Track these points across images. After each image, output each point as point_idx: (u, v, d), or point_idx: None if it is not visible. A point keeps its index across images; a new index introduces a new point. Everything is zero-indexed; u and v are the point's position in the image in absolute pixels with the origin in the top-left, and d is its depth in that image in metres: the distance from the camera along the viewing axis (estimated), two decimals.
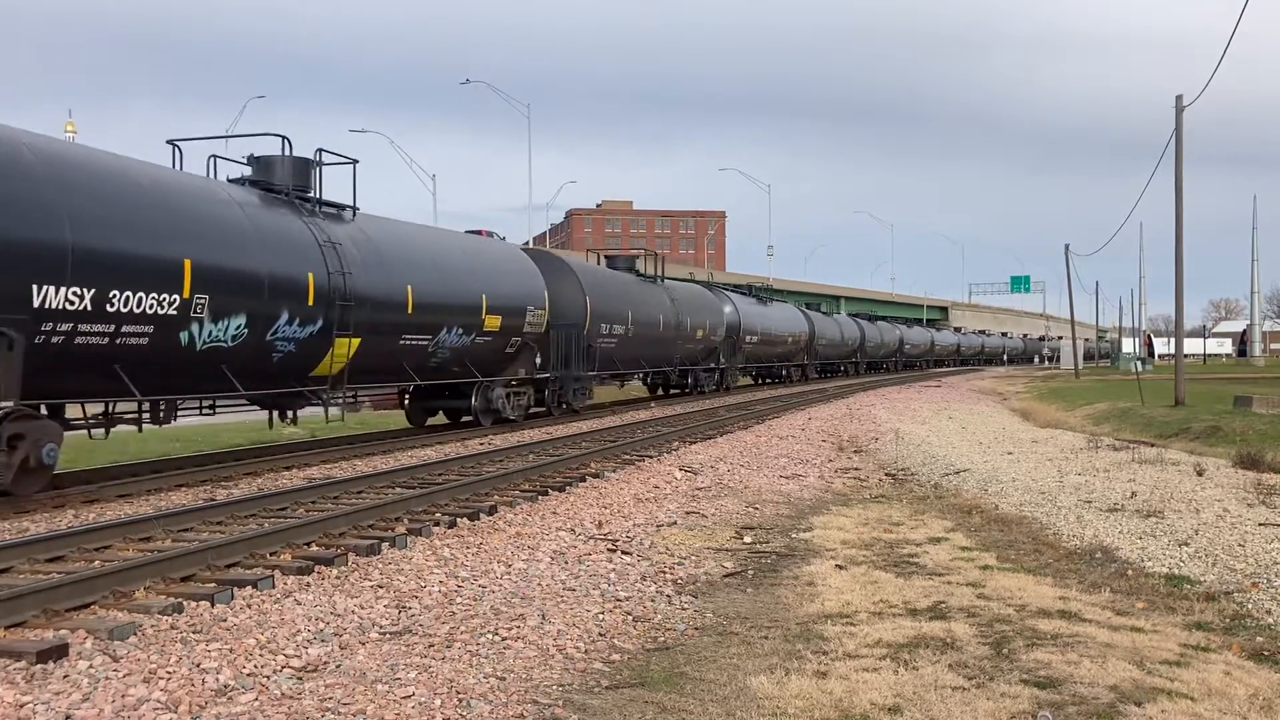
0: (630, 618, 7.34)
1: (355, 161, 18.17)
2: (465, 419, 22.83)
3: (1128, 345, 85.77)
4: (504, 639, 6.67)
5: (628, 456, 16.90)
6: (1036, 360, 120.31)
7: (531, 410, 24.34)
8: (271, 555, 8.91)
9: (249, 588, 7.76)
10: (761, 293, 49.86)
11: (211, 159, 16.49)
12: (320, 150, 17.39)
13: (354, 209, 18.00)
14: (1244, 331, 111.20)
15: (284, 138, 16.77)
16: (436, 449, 18.40)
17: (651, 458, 17.02)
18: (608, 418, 26.19)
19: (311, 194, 16.91)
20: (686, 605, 7.76)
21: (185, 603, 7.24)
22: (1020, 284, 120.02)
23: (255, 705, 5.35)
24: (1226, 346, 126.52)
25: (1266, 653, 6.51)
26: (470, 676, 5.90)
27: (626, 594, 7.99)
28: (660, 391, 38.87)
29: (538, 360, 24.01)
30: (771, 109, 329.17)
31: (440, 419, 23.39)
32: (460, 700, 5.51)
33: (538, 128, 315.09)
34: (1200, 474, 14.33)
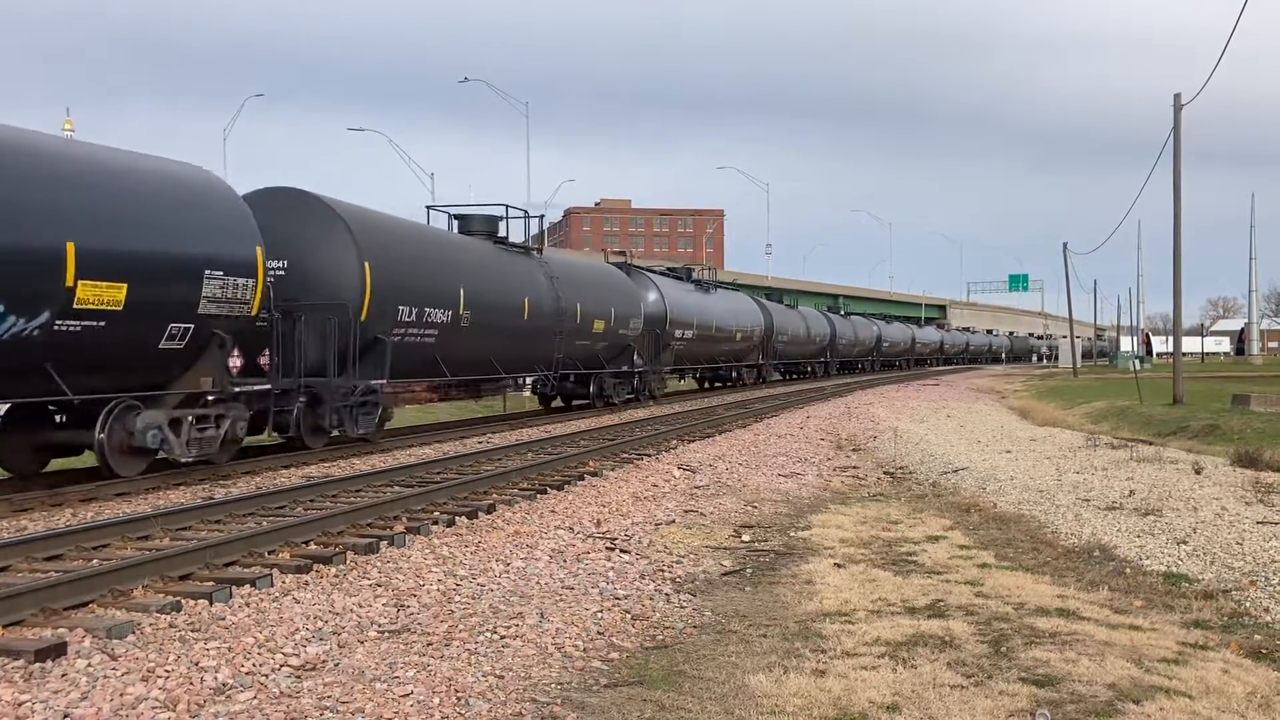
0: (629, 616, 7.34)
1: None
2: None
3: (1126, 344, 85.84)
4: (503, 637, 6.67)
5: (626, 455, 16.91)
6: (1034, 359, 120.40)
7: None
8: (270, 554, 8.90)
9: (247, 586, 7.75)
10: (705, 281, 40.24)
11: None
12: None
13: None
14: (1242, 330, 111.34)
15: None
16: (435, 448, 18.40)
17: (650, 456, 17.02)
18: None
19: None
20: (685, 604, 7.76)
21: (184, 601, 7.24)
22: (1018, 282, 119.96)
23: (254, 704, 5.35)
24: (1224, 345, 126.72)
25: (1264, 651, 6.52)
26: (469, 675, 5.90)
27: (625, 592, 8.00)
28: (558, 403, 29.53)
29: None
30: (771, 108, 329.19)
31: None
32: (459, 699, 5.51)
33: (537, 126, 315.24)
34: (1198, 472, 14.33)
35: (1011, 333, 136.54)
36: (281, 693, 5.53)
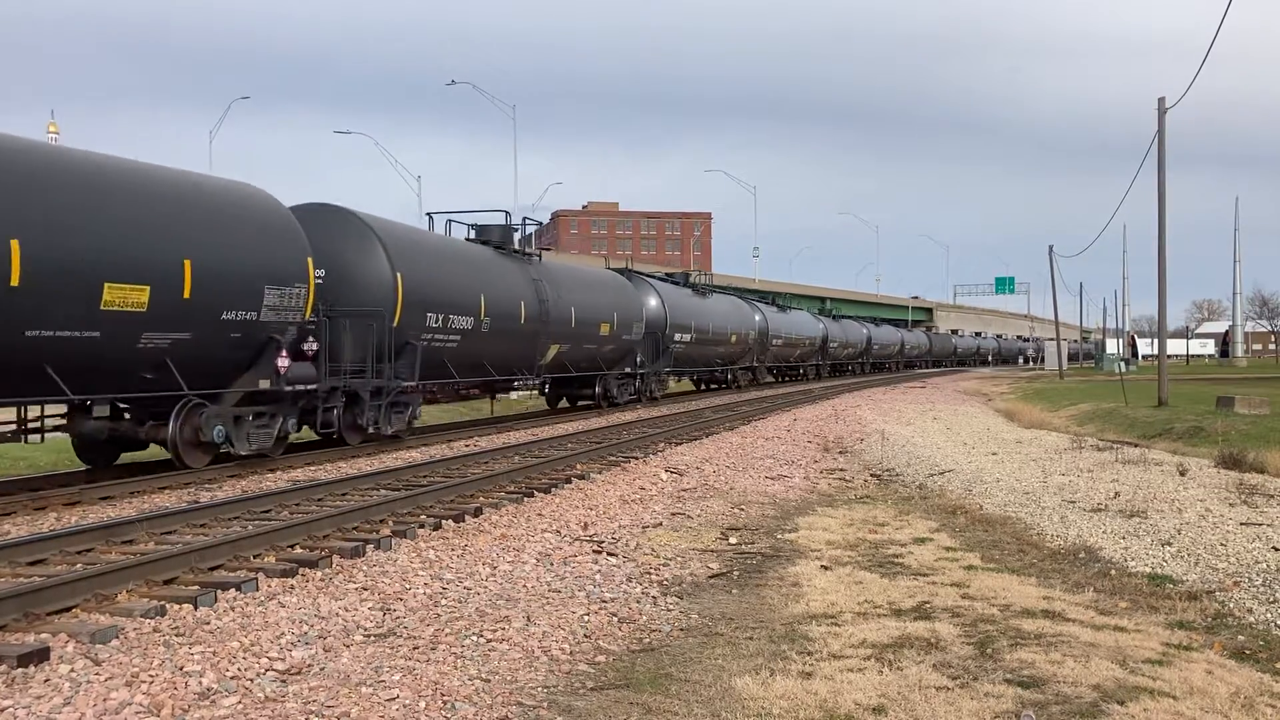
0: (615, 619, 7.33)
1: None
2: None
3: (1111, 346, 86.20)
4: (489, 641, 6.66)
5: (613, 458, 16.90)
6: (1021, 361, 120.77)
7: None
8: (255, 557, 8.87)
9: (232, 590, 7.72)
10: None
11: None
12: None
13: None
14: (1226, 332, 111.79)
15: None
16: (421, 450, 18.35)
17: (637, 459, 17.02)
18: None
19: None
20: (672, 606, 7.76)
21: (168, 605, 7.21)
22: (1005, 285, 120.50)
23: (238, 708, 5.33)
24: (1209, 347, 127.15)
25: (1248, 651, 6.55)
26: (455, 678, 5.88)
27: (612, 595, 7.99)
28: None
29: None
30: (759, 111, 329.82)
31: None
32: (445, 702, 5.50)
33: (525, 130, 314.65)
34: (1183, 474, 14.40)
35: (1000, 335, 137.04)
36: (266, 697, 5.50)
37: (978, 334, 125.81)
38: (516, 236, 25.01)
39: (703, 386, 44.23)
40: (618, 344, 29.31)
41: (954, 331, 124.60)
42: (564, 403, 30.20)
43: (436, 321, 19.78)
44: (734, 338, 41.39)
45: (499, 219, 24.93)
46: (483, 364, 22.37)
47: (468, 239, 24.01)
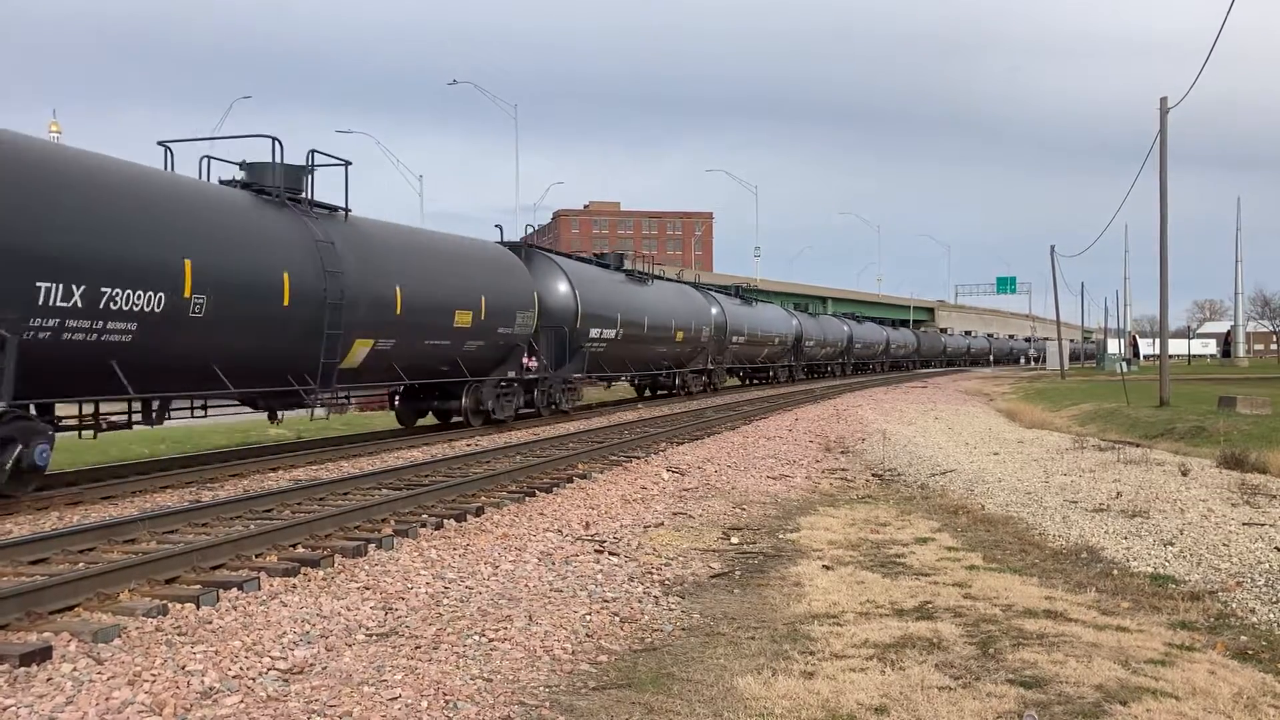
0: (617, 619, 7.33)
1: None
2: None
3: (1113, 346, 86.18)
4: (491, 640, 6.66)
5: (615, 457, 16.90)
6: (1022, 361, 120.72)
7: (521, 411, 24.28)
8: (257, 557, 8.87)
9: (234, 590, 7.72)
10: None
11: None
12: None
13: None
14: (1228, 332, 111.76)
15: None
16: (423, 450, 18.36)
17: (639, 459, 17.02)
18: (595, 419, 26.36)
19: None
20: (674, 606, 7.75)
21: (170, 605, 7.21)
22: (1006, 285, 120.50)
23: (240, 708, 5.33)
24: (1211, 347, 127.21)
25: (1250, 652, 6.55)
26: (457, 678, 5.88)
27: (614, 595, 7.99)
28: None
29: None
30: (761, 111, 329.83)
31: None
32: (447, 702, 5.50)
33: (528, 129, 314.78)
34: (1185, 474, 14.39)
35: (991, 335, 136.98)
36: (268, 696, 5.50)
37: (968, 333, 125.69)
38: (309, 182, 17.44)
39: (646, 393, 38.93)
40: (489, 339, 22.22)
41: (970, 333, 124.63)
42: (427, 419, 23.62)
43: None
44: (680, 334, 35.16)
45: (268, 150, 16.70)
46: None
47: (225, 181, 16.75)
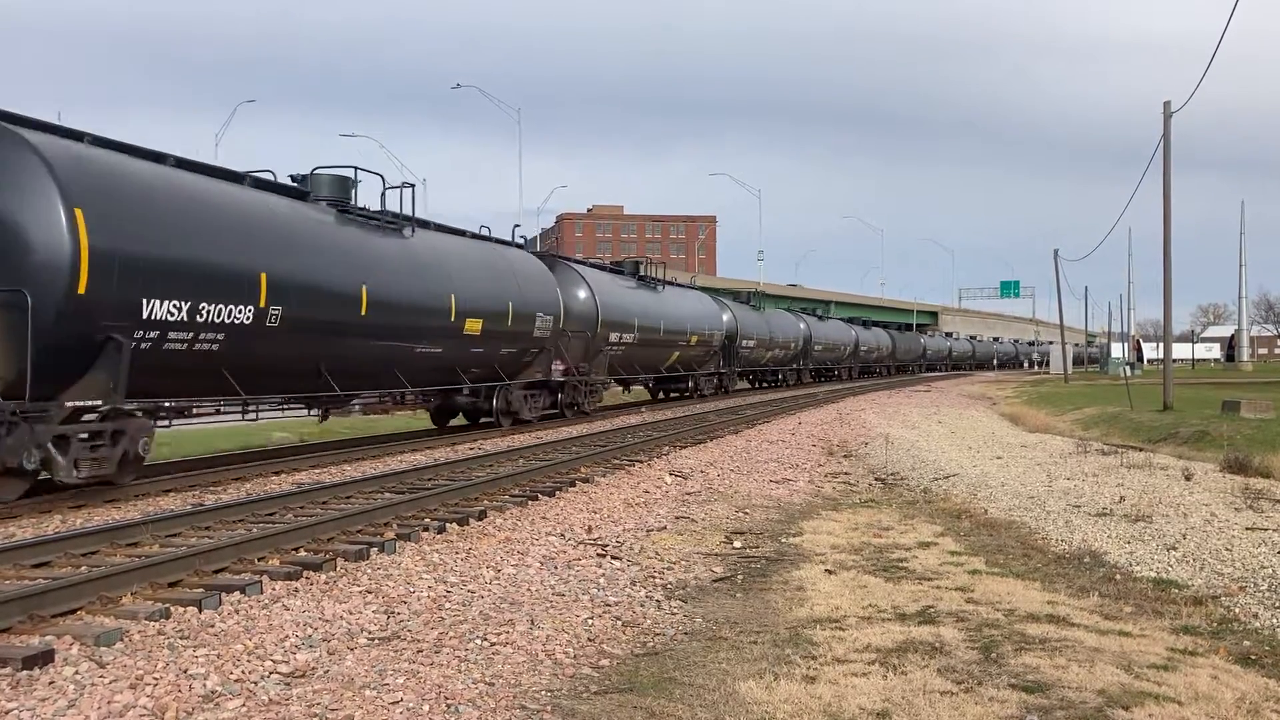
0: (619, 623, 7.33)
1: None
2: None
3: (1116, 350, 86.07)
4: (493, 644, 6.65)
5: (618, 461, 16.89)
6: (1025, 365, 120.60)
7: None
8: (260, 560, 8.87)
9: (237, 593, 7.73)
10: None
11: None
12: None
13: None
14: (1232, 336, 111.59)
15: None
16: (426, 454, 18.36)
17: (641, 462, 17.01)
18: (607, 421, 26.50)
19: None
20: (676, 610, 7.75)
21: (172, 608, 7.21)
22: (1010, 289, 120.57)
23: (242, 711, 5.33)
24: (1215, 351, 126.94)
25: (1253, 656, 6.53)
26: (459, 682, 5.88)
27: (616, 599, 7.98)
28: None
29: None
30: (764, 114, 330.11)
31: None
32: (448, 705, 5.50)
33: (531, 132, 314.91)
34: (1188, 478, 14.37)
35: (1015, 339, 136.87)
36: (270, 700, 5.51)
37: (972, 337, 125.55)
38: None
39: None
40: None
41: (975, 337, 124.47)
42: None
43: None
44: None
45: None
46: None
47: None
